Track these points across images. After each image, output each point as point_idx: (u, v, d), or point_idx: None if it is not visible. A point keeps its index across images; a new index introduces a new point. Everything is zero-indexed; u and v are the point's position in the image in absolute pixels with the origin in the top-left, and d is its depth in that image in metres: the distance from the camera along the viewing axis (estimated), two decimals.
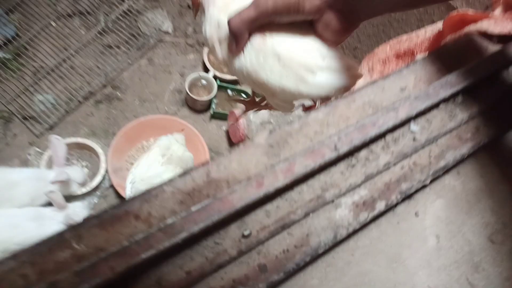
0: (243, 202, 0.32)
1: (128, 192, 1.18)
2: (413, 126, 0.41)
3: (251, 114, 1.58)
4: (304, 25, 0.41)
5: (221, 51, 0.43)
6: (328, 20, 0.39)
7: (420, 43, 0.58)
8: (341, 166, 0.38)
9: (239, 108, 1.66)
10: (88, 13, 1.75)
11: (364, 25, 1.53)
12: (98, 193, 1.45)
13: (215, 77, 1.74)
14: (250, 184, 0.32)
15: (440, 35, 0.55)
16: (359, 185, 0.38)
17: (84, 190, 1.39)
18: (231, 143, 1.68)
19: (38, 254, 0.28)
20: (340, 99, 0.41)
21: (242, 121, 1.57)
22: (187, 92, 1.65)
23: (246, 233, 0.33)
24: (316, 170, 0.36)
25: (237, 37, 0.40)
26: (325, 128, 0.38)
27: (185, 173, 0.33)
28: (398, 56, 0.58)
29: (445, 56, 0.47)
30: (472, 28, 0.50)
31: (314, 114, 0.39)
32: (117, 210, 0.30)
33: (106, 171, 1.45)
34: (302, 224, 0.36)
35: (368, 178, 0.38)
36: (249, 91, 1.77)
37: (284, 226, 0.35)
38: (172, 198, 0.32)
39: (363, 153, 0.39)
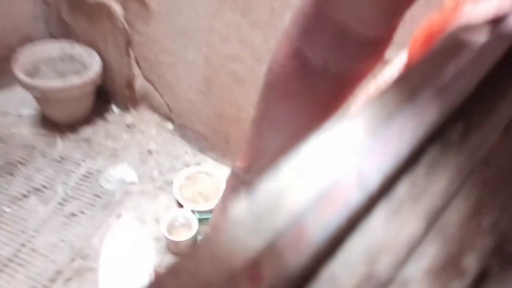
0: None
1: None
2: None
3: None
4: None
5: None
6: None
7: None
8: (380, 213, 0.23)
9: None
10: (45, 187, 1.64)
11: None
12: None
13: (193, 211, 1.59)
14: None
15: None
16: (422, 238, 0.22)
17: None
18: None
19: None
20: None
21: None
22: (166, 237, 1.46)
23: None
24: (344, 229, 0.20)
25: None
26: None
27: None
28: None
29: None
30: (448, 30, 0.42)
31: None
32: None
33: None
34: None
35: (433, 220, 0.23)
36: None
37: None
38: None
39: (403, 185, 0.24)
